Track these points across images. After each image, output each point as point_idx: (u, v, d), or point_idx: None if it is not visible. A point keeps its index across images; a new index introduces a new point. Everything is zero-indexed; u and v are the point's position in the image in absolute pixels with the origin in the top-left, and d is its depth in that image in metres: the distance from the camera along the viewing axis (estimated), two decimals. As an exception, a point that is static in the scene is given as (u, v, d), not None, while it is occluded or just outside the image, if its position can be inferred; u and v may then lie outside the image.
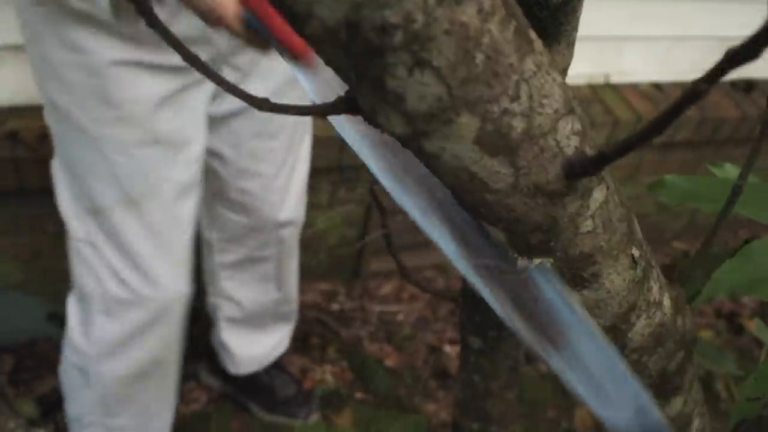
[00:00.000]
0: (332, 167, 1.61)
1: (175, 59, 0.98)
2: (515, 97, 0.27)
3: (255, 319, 1.46)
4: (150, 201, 1.04)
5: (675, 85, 1.97)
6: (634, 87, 1.93)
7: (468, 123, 0.27)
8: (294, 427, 1.55)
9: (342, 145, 1.56)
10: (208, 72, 0.26)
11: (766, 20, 0.20)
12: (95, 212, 1.05)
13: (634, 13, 1.80)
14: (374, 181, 0.41)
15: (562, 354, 0.37)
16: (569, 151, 0.30)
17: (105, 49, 0.92)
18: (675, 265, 1.96)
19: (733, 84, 2.04)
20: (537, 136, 0.29)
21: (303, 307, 1.83)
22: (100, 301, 1.12)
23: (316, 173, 1.62)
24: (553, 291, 0.36)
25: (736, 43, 0.22)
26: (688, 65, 1.96)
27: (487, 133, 0.27)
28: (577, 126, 0.31)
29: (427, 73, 0.25)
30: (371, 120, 0.27)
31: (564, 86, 0.30)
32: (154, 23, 0.24)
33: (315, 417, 1.58)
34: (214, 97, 1.09)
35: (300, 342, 1.75)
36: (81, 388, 1.23)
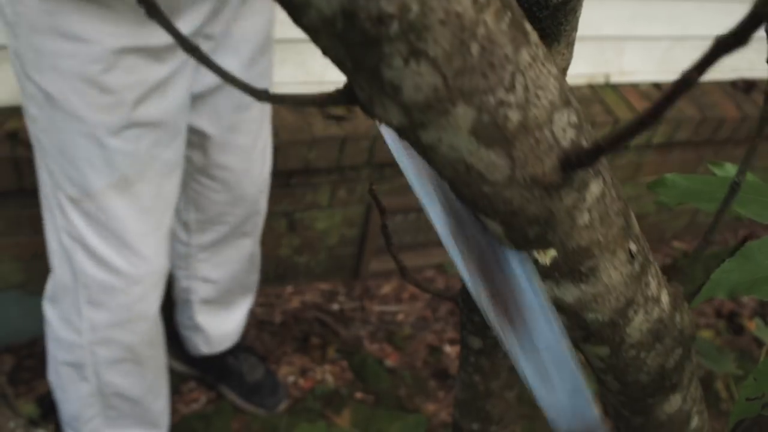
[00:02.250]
0: (332, 167, 1.61)
1: (168, 39, 0.99)
2: (510, 88, 0.27)
3: (226, 296, 1.49)
4: (141, 181, 1.08)
5: (675, 85, 1.97)
6: (634, 87, 1.94)
7: (464, 113, 0.27)
8: (293, 425, 1.56)
9: (342, 145, 1.56)
10: (208, 62, 0.26)
11: (751, 7, 0.20)
12: (80, 200, 1.07)
13: (635, 13, 1.80)
14: (374, 181, 0.42)
15: (517, 332, 0.38)
16: (565, 143, 0.31)
17: (106, 37, 0.94)
18: (675, 264, 1.96)
19: (734, 84, 2.04)
20: (533, 127, 0.29)
21: (303, 307, 1.83)
22: (84, 291, 1.13)
23: (316, 173, 1.62)
24: (522, 271, 0.37)
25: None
26: (688, 65, 1.96)
27: (483, 124, 0.28)
28: (573, 118, 0.31)
29: (423, 63, 0.25)
30: (368, 111, 0.27)
31: (560, 78, 0.30)
32: (154, 13, 0.24)
33: (283, 405, 1.60)
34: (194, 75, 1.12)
35: (300, 342, 1.75)
36: (76, 384, 1.24)
